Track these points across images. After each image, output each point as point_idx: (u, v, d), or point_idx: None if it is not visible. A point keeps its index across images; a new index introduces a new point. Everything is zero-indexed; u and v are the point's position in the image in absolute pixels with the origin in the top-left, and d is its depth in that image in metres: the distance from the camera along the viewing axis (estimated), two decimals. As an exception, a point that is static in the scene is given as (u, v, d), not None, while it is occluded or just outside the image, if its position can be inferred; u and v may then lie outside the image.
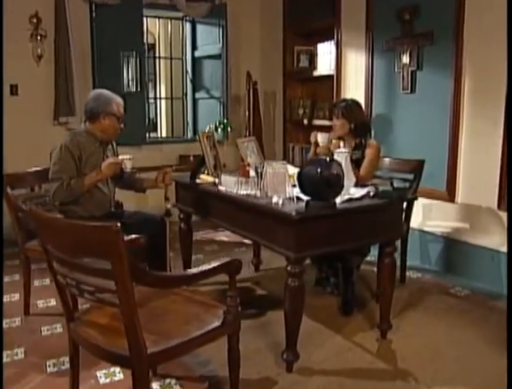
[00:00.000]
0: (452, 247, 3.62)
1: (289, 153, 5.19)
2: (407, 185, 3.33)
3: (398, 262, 3.44)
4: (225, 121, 5.01)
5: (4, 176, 2.80)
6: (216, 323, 1.85)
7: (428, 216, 3.81)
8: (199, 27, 5.27)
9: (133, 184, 3.17)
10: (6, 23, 4.10)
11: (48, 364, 2.43)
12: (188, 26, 5.35)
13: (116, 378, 2.33)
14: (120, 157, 2.95)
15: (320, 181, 2.14)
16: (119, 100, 2.98)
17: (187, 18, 5.27)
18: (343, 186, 2.23)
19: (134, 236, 2.26)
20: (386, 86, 4.00)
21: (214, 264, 1.82)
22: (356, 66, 4.24)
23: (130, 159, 2.93)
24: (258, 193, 2.44)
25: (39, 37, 4.24)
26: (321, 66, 4.72)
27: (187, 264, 3.45)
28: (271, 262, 3.75)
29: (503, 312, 2.94)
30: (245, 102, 5.01)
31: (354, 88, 4.28)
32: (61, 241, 1.65)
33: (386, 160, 3.51)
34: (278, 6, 5.08)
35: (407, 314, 2.97)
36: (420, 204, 3.76)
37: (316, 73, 4.78)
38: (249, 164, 2.72)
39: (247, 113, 4.89)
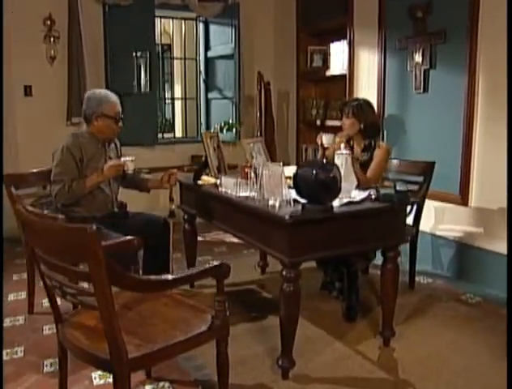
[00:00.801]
0: (465, 252, 3.49)
1: (302, 154, 5.12)
2: (415, 188, 3.24)
3: (407, 267, 3.38)
4: (230, 121, 4.98)
5: (8, 176, 2.83)
6: (203, 328, 1.81)
7: (440, 220, 3.69)
8: (212, 28, 5.26)
9: (137, 184, 3.16)
10: (21, 25, 4.19)
11: (45, 363, 2.45)
12: (201, 26, 5.34)
13: (110, 380, 2.30)
14: (122, 159, 2.94)
15: (315, 184, 2.08)
16: (112, 99, 2.93)
17: (200, 18, 5.26)
18: (340, 189, 2.17)
19: (128, 237, 2.24)
20: (399, 85, 3.90)
21: (200, 268, 1.77)
22: (369, 65, 4.15)
23: (132, 160, 2.92)
24: (257, 195, 2.39)
25: (52, 39, 4.29)
26: (334, 66, 4.64)
27: (191, 266, 3.43)
28: (278, 266, 3.67)
29: (515, 321, 2.82)
30: (256, 102, 4.96)
31: (366, 88, 4.19)
32: (43, 242, 1.64)
33: (395, 161, 3.42)
34: (291, 6, 5.02)
35: (413, 322, 2.88)
36: (432, 208, 3.66)
37: (329, 73, 4.70)
38: (250, 166, 2.67)
39: (258, 113, 4.85)
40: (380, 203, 2.36)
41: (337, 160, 2.43)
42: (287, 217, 2.05)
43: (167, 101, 6.91)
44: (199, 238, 4.65)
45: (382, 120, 4.05)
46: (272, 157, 4.88)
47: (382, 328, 2.59)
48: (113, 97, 2.98)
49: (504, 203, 3.18)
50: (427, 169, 3.22)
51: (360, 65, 4.26)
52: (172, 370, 2.39)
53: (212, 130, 3.97)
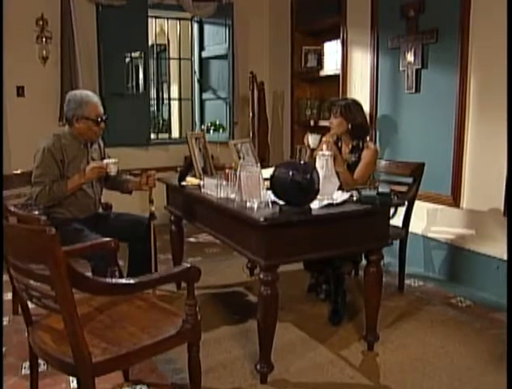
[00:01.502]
0: (456, 255, 3.44)
1: (296, 155, 5.08)
2: (405, 189, 3.19)
3: (397, 270, 3.33)
4: (218, 122, 4.95)
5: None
6: (172, 332, 1.78)
7: (432, 222, 3.63)
8: (206, 28, 5.23)
9: (118, 185, 3.13)
10: (13, 25, 4.19)
11: (24, 365, 2.43)
12: (196, 26, 5.32)
13: (87, 383, 2.30)
14: (104, 161, 2.92)
15: (291, 186, 2.05)
16: (93, 101, 2.90)
17: (195, 18, 5.24)
18: (318, 191, 2.13)
19: (105, 239, 2.22)
20: (391, 85, 3.85)
21: (168, 271, 1.74)
22: (362, 65, 4.11)
23: (115, 163, 2.90)
24: (236, 197, 2.36)
25: (44, 39, 4.29)
26: (328, 66, 4.60)
27: (179, 267, 3.40)
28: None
29: (503, 325, 2.77)
30: (248, 103, 4.92)
31: (359, 88, 4.14)
32: (10, 244, 1.62)
33: (384, 162, 3.38)
34: (285, 5, 4.98)
35: (399, 325, 2.83)
36: (423, 209, 3.61)
37: (322, 73, 4.65)
38: (231, 167, 2.64)
39: (251, 113, 4.81)
40: (361, 205, 2.32)
41: (318, 162, 2.39)
42: (261, 219, 2.02)
43: (164, 101, 6.89)
44: (192, 239, 4.67)
45: (375, 120, 4.01)
46: (265, 158, 4.86)
47: (366, 332, 2.55)
48: (94, 99, 2.95)
49: (496, 205, 3.14)
50: (417, 170, 3.17)
51: (353, 64, 4.21)
52: (151, 373, 2.37)
53: (198, 131, 3.92)
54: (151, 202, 3.04)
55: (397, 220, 3.24)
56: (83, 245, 2.11)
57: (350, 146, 3.08)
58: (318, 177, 2.12)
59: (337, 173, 2.96)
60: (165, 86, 7.11)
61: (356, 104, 3.08)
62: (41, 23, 4.27)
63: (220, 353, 2.55)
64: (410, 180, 3.21)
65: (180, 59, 5.62)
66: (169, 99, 6.18)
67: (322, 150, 2.79)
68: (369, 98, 4.01)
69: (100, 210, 3.11)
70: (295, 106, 5.09)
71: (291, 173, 2.04)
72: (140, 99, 4.79)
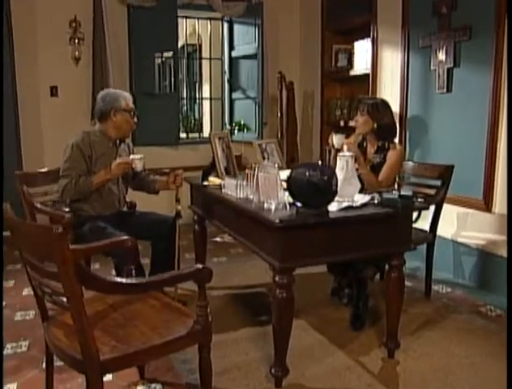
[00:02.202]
0: (487, 261, 3.30)
1: (326, 155, 5.00)
2: (432, 192, 3.08)
3: (424, 275, 3.22)
4: (242, 122, 4.93)
5: (20, 175, 2.91)
6: (182, 333, 1.78)
7: (462, 226, 3.50)
8: (236, 27, 5.24)
9: (145, 185, 3.16)
10: (47, 27, 4.32)
11: (44, 359, 2.48)
12: (226, 26, 5.33)
13: (105, 379, 2.26)
14: (131, 156, 2.95)
15: (308, 187, 2.00)
16: (126, 94, 2.99)
17: (225, 18, 5.25)
18: (335, 193, 2.08)
19: (123, 237, 2.23)
20: (422, 85, 3.73)
21: (179, 271, 1.74)
22: (392, 64, 4.00)
23: (140, 159, 2.92)
24: (254, 198, 2.33)
25: (77, 40, 4.40)
26: (358, 65, 4.51)
27: (201, 267, 3.41)
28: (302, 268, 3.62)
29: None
30: (276, 103, 4.89)
31: (389, 88, 4.04)
32: (23, 241, 1.66)
33: (411, 164, 3.27)
34: (316, 4, 4.92)
35: (423, 333, 2.73)
36: (453, 213, 3.48)
37: (352, 72, 4.57)
38: (251, 167, 2.61)
39: (279, 113, 4.77)
40: (382, 208, 2.25)
41: (338, 163, 2.33)
42: (277, 221, 1.99)
43: (197, 101, 6.95)
44: (218, 239, 4.68)
45: (405, 121, 3.90)
46: (294, 158, 4.82)
47: (386, 339, 2.47)
48: (127, 93, 3.06)
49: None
50: (445, 173, 3.05)
51: (383, 64, 4.11)
52: (167, 372, 2.38)
53: (224, 131, 3.92)
54: (177, 201, 3.05)
55: (425, 224, 3.14)
56: (101, 243, 2.12)
57: (375, 146, 3.00)
58: (336, 179, 2.07)
59: (359, 175, 2.94)
60: (198, 86, 7.20)
61: (385, 105, 3.00)
62: (74, 24, 4.38)
63: (237, 355, 2.53)
64: (438, 182, 3.09)
65: (210, 59, 5.65)
66: (201, 99, 6.22)
67: (347, 150, 2.74)
68: (399, 98, 3.91)
69: (125, 208, 3.14)
70: (325, 106, 5.02)
71: (307, 174, 2.00)
72: (170, 98, 4.84)
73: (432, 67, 3.59)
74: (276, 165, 2.22)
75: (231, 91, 5.42)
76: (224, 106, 5.56)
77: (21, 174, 2.92)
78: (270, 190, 2.21)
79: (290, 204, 2.19)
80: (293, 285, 2.15)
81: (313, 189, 2.00)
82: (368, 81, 4.24)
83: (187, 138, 5.59)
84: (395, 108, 3.97)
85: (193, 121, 7.00)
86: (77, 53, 4.42)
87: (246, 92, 5.24)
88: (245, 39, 5.11)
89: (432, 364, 2.42)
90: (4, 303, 3.19)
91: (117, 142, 3.00)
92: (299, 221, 2.04)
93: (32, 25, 4.26)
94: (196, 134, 6.12)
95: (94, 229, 2.76)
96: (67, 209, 2.87)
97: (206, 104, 6.48)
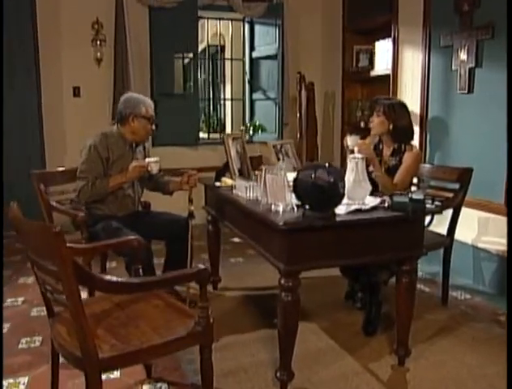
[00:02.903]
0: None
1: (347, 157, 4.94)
2: (450, 195, 3.00)
3: (441, 280, 3.14)
4: (257, 122, 4.90)
5: (36, 174, 2.97)
6: (181, 333, 1.77)
7: (483, 231, 3.39)
8: (257, 28, 5.23)
9: (160, 186, 3.18)
10: (70, 29, 4.42)
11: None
12: (247, 27, 5.33)
13: (112, 376, 2.35)
14: (146, 160, 2.97)
15: (313, 189, 1.97)
16: (148, 102, 3.01)
17: (246, 18, 5.25)
18: (342, 195, 2.04)
19: (130, 237, 2.25)
20: (443, 86, 3.64)
21: (178, 272, 1.74)
22: (413, 64, 3.92)
23: (156, 162, 2.94)
24: (263, 199, 2.32)
25: (99, 42, 4.48)
26: (378, 66, 4.43)
27: (214, 267, 3.41)
28: (310, 271, 3.57)
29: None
30: (295, 103, 4.86)
31: (410, 89, 3.96)
32: (27, 240, 1.69)
33: (428, 166, 3.19)
34: (337, 4, 4.86)
35: (436, 341, 2.65)
36: (474, 217, 3.37)
37: (373, 73, 4.49)
38: (261, 169, 2.59)
39: (298, 114, 4.74)
40: (392, 211, 2.19)
41: (349, 164, 2.29)
42: (281, 223, 1.97)
43: (221, 102, 6.99)
44: (235, 240, 4.67)
45: (425, 122, 3.81)
46: (313, 159, 4.78)
47: (396, 346, 2.41)
48: (149, 101, 3.07)
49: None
50: (464, 176, 2.96)
51: (404, 64, 4.03)
52: (173, 372, 2.39)
53: (240, 131, 3.91)
54: (190, 201, 3.05)
55: (442, 228, 3.06)
56: (107, 242, 2.15)
57: (391, 148, 2.94)
58: (343, 181, 2.03)
59: (371, 178, 2.88)
60: (222, 86, 7.24)
61: (402, 106, 2.92)
62: (96, 26, 4.46)
63: (245, 357, 2.52)
64: (456, 186, 3.01)
65: (231, 60, 5.66)
66: (224, 99, 6.25)
67: (359, 151, 2.69)
68: (420, 99, 3.82)
69: (140, 208, 3.16)
70: (345, 107, 4.95)
71: (313, 176, 1.96)
72: (189, 99, 4.86)
73: (453, 67, 3.49)
74: (283, 166, 2.19)
75: (251, 91, 5.41)
76: (245, 107, 5.56)
77: (38, 173, 2.98)
78: (277, 192, 2.19)
79: (298, 206, 2.16)
80: (299, 288, 2.12)
81: (319, 191, 1.96)
82: (388, 82, 4.16)
83: (208, 138, 5.61)
84: (416, 109, 3.89)
85: (215, 122, 7.05)
86: (99, 54, 4.51)
87: (267, 93, 5.23)
88: (266, 39, 5.10)
89: (443, 373, 2.35)
90: (22, 298, 3.27)
91: (134, 145, 3.03)
92: (304, 224, 2.01)
93: (56, 27, 4.36)
94: (218, 135, 6.15)
95: (107, 228, 2.80)
96: (83, 208, 2.92)
97: (229, 105, 6.51)
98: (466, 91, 3.40)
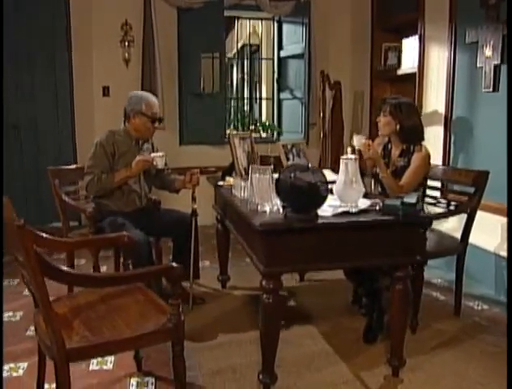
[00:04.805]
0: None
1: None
2: (465, 199, 2.84)
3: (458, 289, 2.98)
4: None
5: (51, 170, 3.11)
6: (150, 329, 1.80)
7: (506, 239, 3.18)
8: (285, 27, 5.19)
9: (166, 184, 3.22)
10: (100, 31, 4.58)
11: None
12: (275, 26, 5.30)
13: (105, 367, 2.42)
14: (152, 154, 3.02)
15: (292, 191, 1.93)
16: (152, 100, 3.04)
17: (276, 18, 5.22)
18: (323, 197, 1.98)
19: (121, 233, 2.30)
20: (468, 84, 3.45)
21: (149, 268, 1.76)
22: (438, 62, 3.74)
23: (161, 156, 2.98)
24: (251, 200, 2.30)
25: (127, 43, 4.61)
26: (405, 64, 4.27)
27: (223, 265, 3.43)
28: (320, 274, 3.52)
29: None
30: (319, 103, 4.77)
31: (435, 88, 3.78)
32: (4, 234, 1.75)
33: (440, 168, 3.04)
34: (366, 1, 4.73)
35: (439, 353, 2.52)
36: (497, 224, 3.18)
37: (400, 71, 4.33)
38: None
39: (321, 114, 4.65)
40: (383, 214, 2.11)
41: (341, 166, 2.22)
42: (257, 224, 1.94)
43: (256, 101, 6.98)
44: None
45: (450, 123, 3.63)
46: (337, 159, 4.67)
47: (390, 356, 2.32)
48: (153, 99, 3.09)
49: None
50: (480, 179, 2.79)
51: (430, 62, 3.86)
52: (163, 366, 2.40)
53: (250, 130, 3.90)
54: (193, 199, 3.08)
55: (456, 233, 2.91)
56: (98, 236, 2.21)
57: (400, 149, 2.83)
58: (325, 182, 1.97)
59: (379, 179, 2.78)
60: (258, 86, 7.24)
61: (409, 105, 2.81)
62: (125, 28, 4.59)
63: (238, 357, 2.51)
64: (471, 189, 2.85)
65: (261, 59, 5.65)
66: (256, 98, 6.25)
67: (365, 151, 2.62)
68: (445, 98, 3.64)
69: (147, 205, 3.21)
70: (374, 106, 4.80)
71: (292, 177, 1.92)
72: (216, 98, 4.90)
73: (478, 64, 3.30)
74: (271, 167, 2.16)
75: (279, 91, 5.38)
76: (274, 106, 5.54)
77: (53, 169, 3.11)
78: (264, 193, 2.17)
79: (284, 207, 2.13)
80: (280, 290, 2.08)
81: (298, 192, 1.92)
82: (414, 80, 4.00)
83: None
84: (440, 109, 3.73)
85: (249, 121, 7.06)
86: (127, 54, 4.64)
87: (294, 92, 5.17)
88: (293, 38, 5.05)
89: (439, 387, 2.23)
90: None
91: (140, 141, 3.09)
92: (282, 226, 1.97)
93: (87, 29, 4.53)
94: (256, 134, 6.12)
95: (112, 224, 2.87)
96: (92, 203, 3.02)
97: (264, 104, 6.50)
98: (491, 90, 3.20)
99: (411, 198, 2.09)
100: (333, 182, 2.24)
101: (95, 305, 2.00)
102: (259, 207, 2.16)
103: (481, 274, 3.28)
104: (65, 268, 1.62)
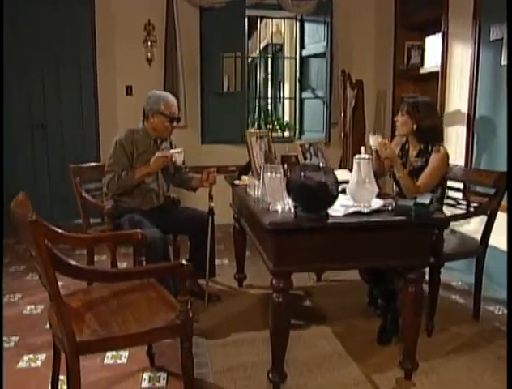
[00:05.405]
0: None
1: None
2: (485, 200, 2.78)
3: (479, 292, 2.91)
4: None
5: (72, 168, 3.18)
6: (158, 325, 1.82)
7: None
8: (307, 26, 5.17)
9: (184, 182, 3.25)
10: (124, 31, 4.66)
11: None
12: (298, 25, 5.28)
13: (119, 362, 2.47)
14: (170, 151, 3.04)
15: (302, 190, 1.93)
16: (170, 99, 3.08)
17: (298, 17, 5.20)
18: (334, 197, 1.97)
19: (135, 230, 2.33)
20: (492, 82, 3.36)
21: (156, 266, 1.79)
22: (462, 60, 3.65)
23: (179, 152, 3.00)
24: (264, 199, 2.30)
25: (149, 43, 4.67)
26: (428, 63, 4.19)
27: (240, 263, 3.44)
28: (338, 274, 3.50)
29: None
30: (340, 102, 4.73)
31: (459, 86, 3.70)
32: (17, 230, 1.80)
33: (460, 168, 2.97)
34: (389, 0, 4.66)
35: (454, 357, 2.47)
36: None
37: (422, 70, 4.25)
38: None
39: (342, 113, 4.61)
40: (395, 215, 2.08)
41: (354, 166, 2.20)
42: (267, 223, 1.94)
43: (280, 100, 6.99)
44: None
45: (473, 122, 3.55)
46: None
47: (402, 359, 2.28)
48: (171, 98, 3.13)
49: None
50: (500, 181, 2.72)
51: (453, 60, 3.77)
52: (175, 363, 2.43)
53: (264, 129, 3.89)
54: (210, 198, 3.10)
55: (477, 234, 2.85)
56: (112, 233, 2.25)
57: (417, 149, 2.78)
58: (336, 182, 1.96)
59: (396, 179, 2.75)
60: (281, 85, 7.23)
61: (427, 105, 2.76)
62: (148, 28, 4.65)
63: (249, 355, 2.52)
64: (491, 191, 2.77)
65: (284, 58, 5.64)
66: (279, 98, 6.25)
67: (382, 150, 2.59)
68: (468, 97, 3.56)
69: (163, 203, 3.24)
70: (396, 106, 4.73)
71: (302, 176, 1.92)
72: (237, 97, 4.92)
73: (502, 62, 3.21)
74: (282, 166, 2.16)
75: (301, 90, 5.36)
76: (296, 106, 5.52)
77: (74, 167, 3.19)
78: (275, 192, 2.17)
79: (296, 207, 2.12)
80: (290, 289, 2.07)
81: (308, 191, 1.91)
82: (437, 79, 3.92)
83: None
84: (463, 108, 3.64)
85: (273, 120, 7.06)
86: (149, 54, 4.70)
87: (315, 92, 5.14)
88: (315, 37, 5.02)
89: (452, 392, 2.19)
90: (61, 283, 3.51)
91: (158, 140, 3.13)
92: (291, 225, 1.97)
93: (110, 29, 4.62)
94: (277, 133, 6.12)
95: (130, 221, 2.92)
96: (111, 200, 3.08)
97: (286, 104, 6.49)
98: (515, 89, 3.11)
99: (425, 199, 2.06)
100: (348, 182, 2.22)
101: (107, 300, 2.05)
102: (271, 206, 2.16)
103: (502, 277, 3.19)
104: (74, 263, 1.66)
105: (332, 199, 1.97)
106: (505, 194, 2.75)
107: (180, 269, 1.84)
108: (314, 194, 1.92)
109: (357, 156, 2.24)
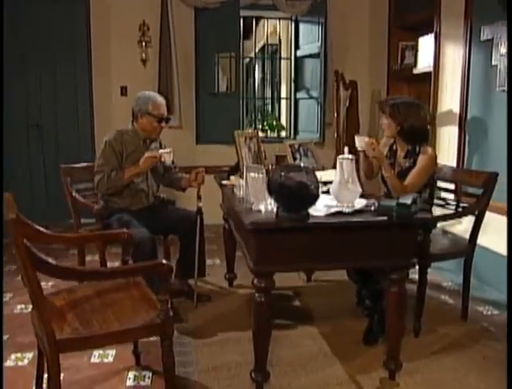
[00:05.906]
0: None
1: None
2: (473, 200, 2.78)
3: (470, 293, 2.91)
4: (274, 122, 4.81)
5: (63, 168, 3.20)
6: (138, 324, 1.83)
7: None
8: (301, 26, 5.17)
9: (173, 182, 3.26)
10: (119, 31, 4.68)
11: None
12: (292, 25, 5.29)
13: (105, 360, 2.48)
14: (160, 151, 3.06)
15: (282, 190, 1.93)
16: (158, 100, 3.08)
17: (292, 17, 5.21)
18: (315, 197, 1.97)
19: (120, 230, 2.35)
20: (482, 83, 3.36)
21: (135, 265, 1.80)
22: (454, 60, 3.65)
23: (168, 152, 3.01)
24: (247, 198, 2.31)
25: (144, 43, 4.69)
26: (421, 63, 4.19)
27: (230, 264, 3.45)
28: (328, 274, 3.50)
29: None
30: (333, 102, 4.73)
31: (450, 87, 3.70)
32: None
33: (448, 169, 2.97)
34: (383, 0, 4.66)
35: (440, 358, 2.47)
36: None
37: (415, 71, 4.25)
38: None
39: (335, 114, 4.61)
40: (377, 215, 2.08)
41: (337, 166, 2.21)
42: (247, 223, 1.95)
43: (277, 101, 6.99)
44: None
45: (464, 123, 3.54)
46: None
47: (386, 359, 2.29)
48: (160, 99, 3.13)
49: None
50: (488, 181, 2.72)
51: (445, 61, 3.77)
52: (161, 362, 2.43)
53: (251, 130, 3.90)
54: (198, 198, 3.12)
55: (466, 234, 2.86)
56: (99, 232, 2.27)
57: (405, 150, 2.78)
58: (316, 182, 1.97)
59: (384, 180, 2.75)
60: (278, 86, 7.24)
61: (408, 105, 2.74)
62: (143, 28, 4.67)
63: (234, 354, 2.52)
64: (479, 191, 2.77)
65: (280, 59, 5.65)
66: (274, 98, 6.26)
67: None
68: (459, 97, 3.56)
69: (152, 203, 3.24)
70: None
71: (282, 176, 1.92)
72: (231, 98, 4.93)
73: (493, 62, 3.21)
74: (265, 166, 2.17)
75: (296, 90, 5.37)
76: (291, 106, 5.52)
77: (65, 167, 3.21)
78: (258, 192, 2.18)
79: (277, 207, 2.13)
80: (272, 290, 2.08)
81: (288, 192, 1.92)
82: (430, 80, 3.92)
83: (266, 137, 5.57)
84: (455, 108, 3.64)
85: (270, 121, 7.06)
86: (144, 55, 4.72)
87: (310, 92, 5.15)
88: (309, 38, 5.03)
89: (436, 392, 2.19)
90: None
91: (147, 140, 3.14)
92: (272, 225, 1.97)
93: (105, 30, 4.64)
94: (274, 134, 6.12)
95: (119, 221, 2.93)
96: (101, 200, 3.10)
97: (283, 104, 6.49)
98: (505, 88, 3.11)
99: (407, 199, 2.06)
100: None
101: (91, 299, 2.06)
102: (254, 206, 2.17)
103: (493, 278, 3.20)
104: (52, 262, 1.67)
105: (313, 199, 1.97)
106: (497, 194, 2.74)
107: (159, 268, 1.85)
108: (294, 194, 1.93)
109: (340, 156, 2.25)
